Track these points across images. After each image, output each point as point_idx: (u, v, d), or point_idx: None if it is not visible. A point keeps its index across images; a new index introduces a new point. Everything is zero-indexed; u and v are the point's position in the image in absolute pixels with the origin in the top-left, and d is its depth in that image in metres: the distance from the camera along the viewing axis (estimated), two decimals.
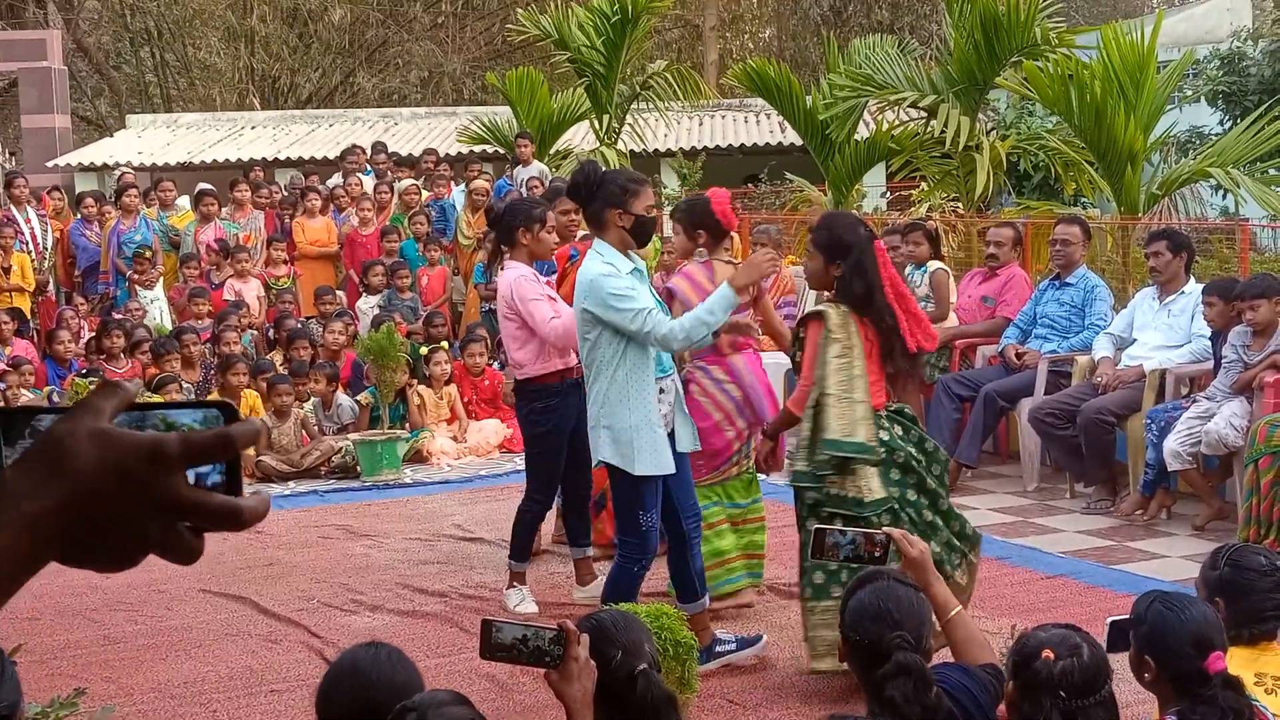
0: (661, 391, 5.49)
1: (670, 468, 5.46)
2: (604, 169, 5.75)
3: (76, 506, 1.04)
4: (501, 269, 6.75)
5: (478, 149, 19.26)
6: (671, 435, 5.53)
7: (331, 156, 19.82)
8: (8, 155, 22.35)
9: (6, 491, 1.05)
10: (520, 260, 6.58)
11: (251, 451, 10.03)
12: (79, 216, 14.06)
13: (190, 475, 1.06)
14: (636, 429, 5.38)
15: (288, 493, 9.63)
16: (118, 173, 17.30)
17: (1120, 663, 3.18)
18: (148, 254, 13.08)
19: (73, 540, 1.06)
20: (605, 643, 3.01)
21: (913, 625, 3.07)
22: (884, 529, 3.56)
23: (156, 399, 9.81)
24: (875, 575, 3.26)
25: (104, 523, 1.05)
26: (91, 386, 8.65)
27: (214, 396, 10.39)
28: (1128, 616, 3.41)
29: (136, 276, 12.91)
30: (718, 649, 5.70)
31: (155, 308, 12.81)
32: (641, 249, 5.61)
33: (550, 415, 6.53)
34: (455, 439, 10.71)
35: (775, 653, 5.93)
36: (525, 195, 13.93)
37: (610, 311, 5.29)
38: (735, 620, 6.37)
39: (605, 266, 5.36)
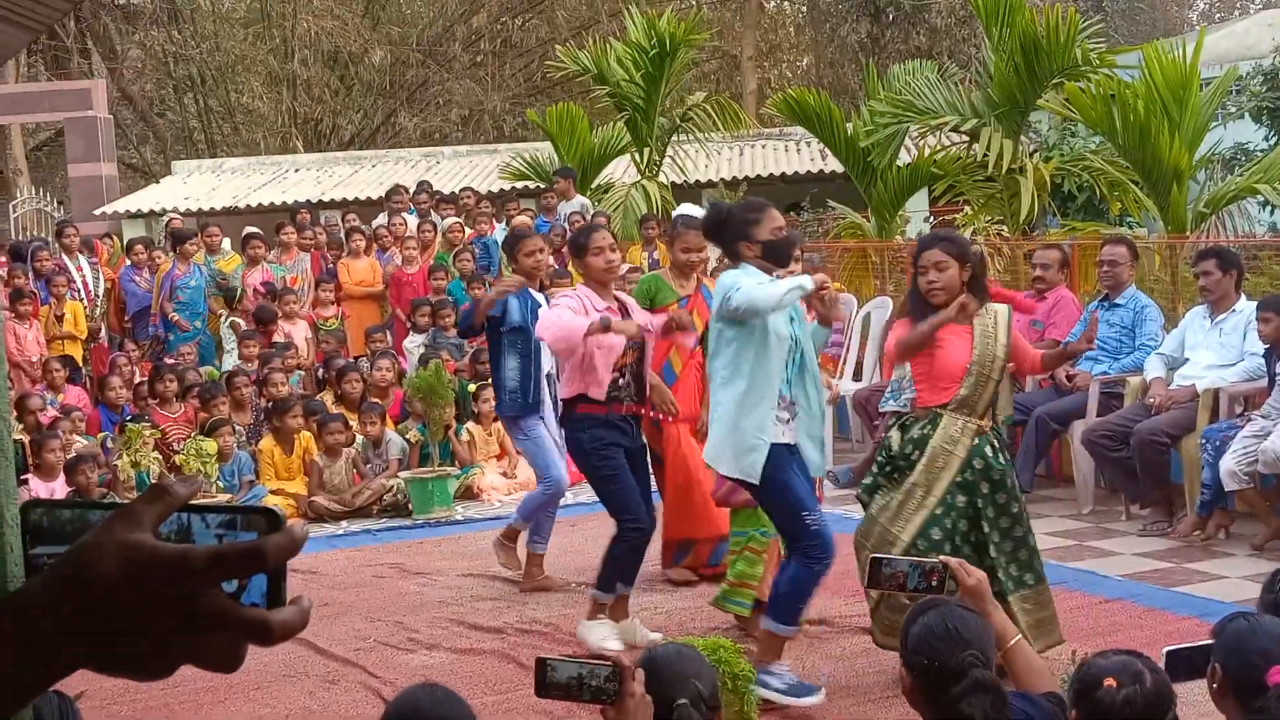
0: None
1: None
2: (728, 206, 6.06)
3: (95, 621, 1.03)
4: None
5: (519, 185, 19.34)
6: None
7: (375, 197, 19.95)
8: (55, 204, 22.60)
9: (19, 605, 1.04)
10: (588, 284, 6.68)
11: (305, 491, 10.09)
12: (129, 263, 14.21)
13: (234, 583, 1.05)
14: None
15: (340, 532, 9.67)
16: (165, 219, 17.48)
17: (1185, 689, 3.14)
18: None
19: (97, 653, 1.04)
20: (650, 678, 3.00)
21: (980, 646, 3.04)
22: (940, 558, 3.54)
23: (210, 444, 9.88)
24: (936, 602, 3.24)
25: (128, 636, 1.03)
26: (145, 431, 8.66)
27: (265, 445, 10.44)
28: (1185, 645, 3.38)
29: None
30: (763, 678, 5.49)
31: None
32: (783, 268, 5.75)
33: (593, 442, 6.50)
34: (505, 475, 10.73)
35: (831, 684, 5.91)
36: (566, 230, 14.02)
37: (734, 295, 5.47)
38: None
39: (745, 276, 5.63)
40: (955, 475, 5.61)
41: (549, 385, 7.60)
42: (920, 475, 5.65)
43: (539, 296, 7.60)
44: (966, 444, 5.64)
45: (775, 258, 5.68)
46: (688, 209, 7.97)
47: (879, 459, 5.89)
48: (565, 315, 6.35)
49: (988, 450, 5.64)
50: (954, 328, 5.72)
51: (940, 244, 5.77)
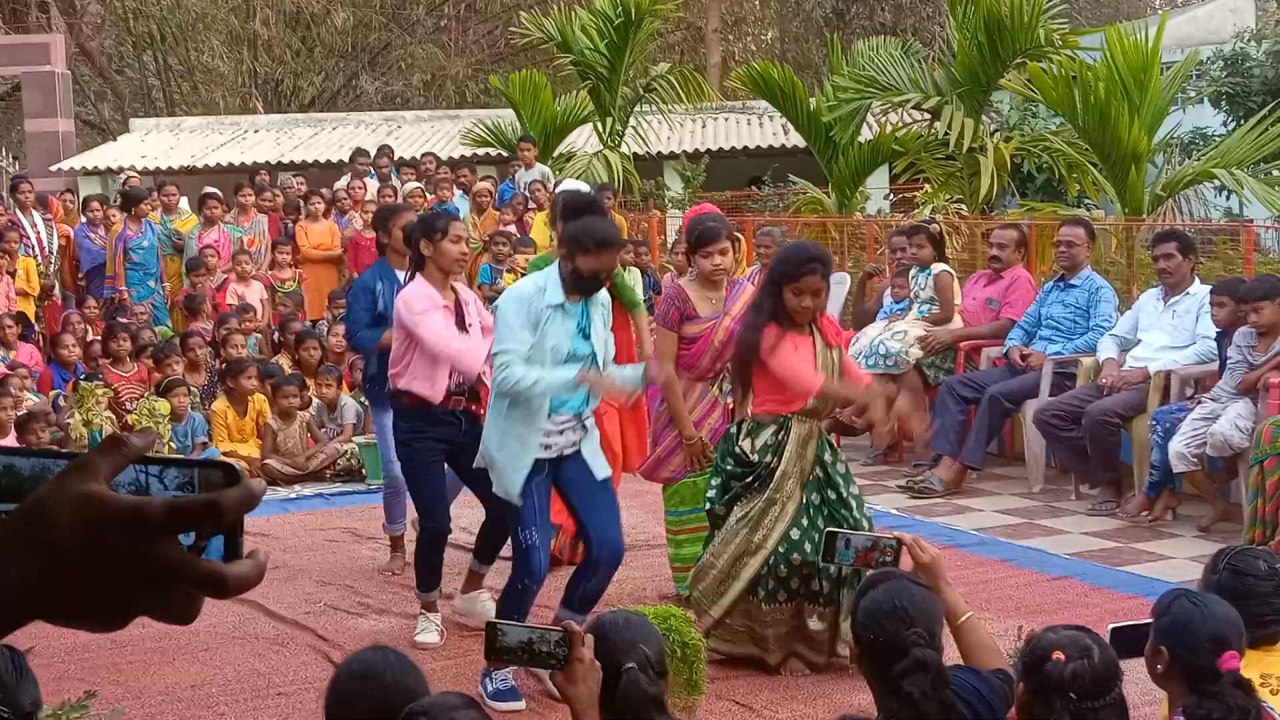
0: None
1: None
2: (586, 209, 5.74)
3: (52, 573, 1.02)
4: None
5: (481, 152, 19.26)
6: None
7: (335, 159, 19.84)
8: (11, 159, 22.35)
9: None
10: (429, 273, 6.20)
11: (258, 454, 10.04)
12: (84, 220, 14.07)
13: (191, 535, 1.04)
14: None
15: (293, 496, 9.63)
16: (123, 177, 17.31)
17: (1130, 665, 3.18)
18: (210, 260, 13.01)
19: (52, 604, 1.04)
20: (598, 643, 3.02)
21: (927, 623, 3.08)
22: (895, 534, 3.57)
23: (163, 404, 9.81)
24: (887, 575, 3.27)
25: (84, 587, 1.03)
26: (98, 390, 8.52)
27: (221, 407, 10.38)
28: (1130, 623, 3.41)
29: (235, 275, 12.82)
30: (483, 679, 5.49)
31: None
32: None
33: (408, 432, 6.21)
34: None
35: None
36: (528, 198, 13.98)
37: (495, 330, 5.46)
38: None
39: (527, 285, 5.48)
40: (808, 475, 5.67)
41: None
42: (780, 480, 5.64)
43: (401, 275, 6.91)
44: (814, 444, 5.72)
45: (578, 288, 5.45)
46: (571, 184, 7.78)
47: (731, 468, 5.74)
48: (453, 339, 6.07)
49: (827, 445, 5.80)
50: (798, 340, 5.69)
51: (823, 269, 5.60)
